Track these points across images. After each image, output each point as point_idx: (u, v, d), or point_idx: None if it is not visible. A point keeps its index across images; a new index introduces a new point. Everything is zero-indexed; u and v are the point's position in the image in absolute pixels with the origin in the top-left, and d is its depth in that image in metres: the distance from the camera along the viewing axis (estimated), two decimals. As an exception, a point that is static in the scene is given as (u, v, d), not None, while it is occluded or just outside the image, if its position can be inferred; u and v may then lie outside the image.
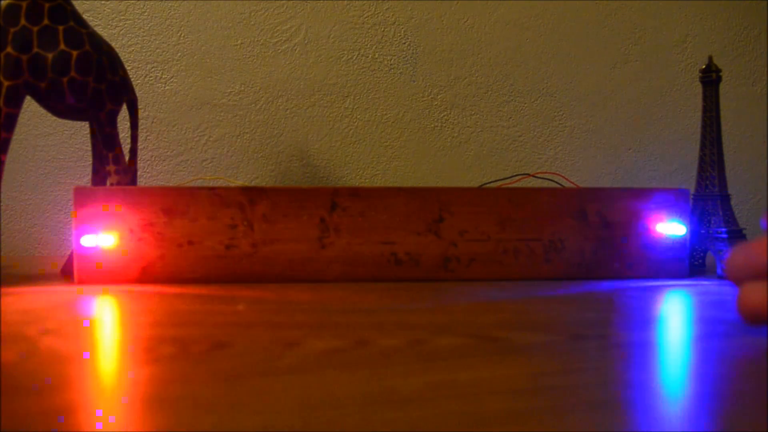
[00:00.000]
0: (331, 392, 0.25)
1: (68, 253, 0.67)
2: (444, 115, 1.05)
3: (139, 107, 0.94)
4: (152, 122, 0.98)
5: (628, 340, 0.36)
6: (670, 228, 0.64)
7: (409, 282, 0.62)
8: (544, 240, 0.63)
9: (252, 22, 1.00)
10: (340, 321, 0.41)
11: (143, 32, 0.98)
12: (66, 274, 0.64)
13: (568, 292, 0.55)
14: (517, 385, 0.26)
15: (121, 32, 0.97)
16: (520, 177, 0.78)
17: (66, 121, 0.94)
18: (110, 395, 0.25)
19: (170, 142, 0.98)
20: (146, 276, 0.59)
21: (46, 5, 0.59)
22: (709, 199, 0.69)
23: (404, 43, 1.04)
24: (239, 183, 0.96)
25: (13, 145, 0.92)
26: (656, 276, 0.64)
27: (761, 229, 0.34)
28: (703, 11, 1.10)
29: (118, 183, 0.64)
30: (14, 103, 0.58)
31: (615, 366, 0.30)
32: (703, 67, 0.71)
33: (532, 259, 0.63)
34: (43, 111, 0.90)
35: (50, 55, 0.59)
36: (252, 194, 0.61)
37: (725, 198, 0.68)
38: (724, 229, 0.67)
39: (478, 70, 1.05)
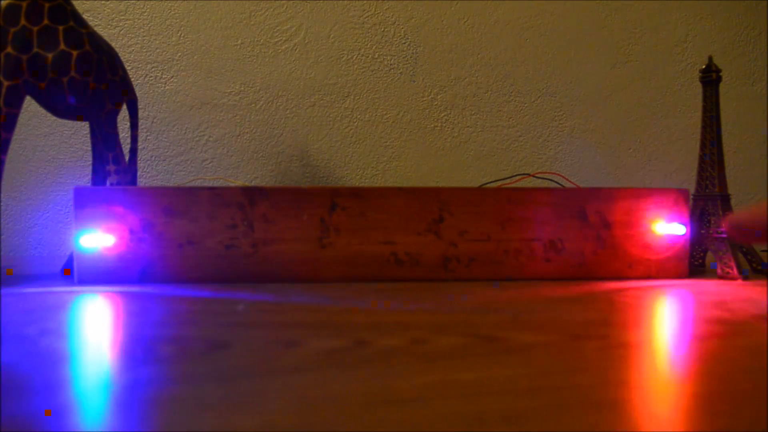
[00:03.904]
0: (331, 392, 0.25)
1: (68, 253, 0.67)
2: (444, 115, 1.05)
3: (139, 107, 0.94)
4: (152, 122, 0.98)
5: (628, 340, 0.36)
6: (670, 228, 0.64)
7: (409, 282, 0.62)
8: (544, 240, 0.63)
9: (252, 22, 1.00)
10: (340, 321, 0.41)
11: (143, 32, 0.98)
12: (66, 274, 0.64)
13: (568, 292, 0.55)
14: (517, 385, 0.26)
15: (121, 32, 0.97)
16: (520, 177, 0.78)
17: (66, 121, 0.94)
18: (110, 395, 0.25)
19: (170, 142, 0.98)
20: (146, 276, 0.59)
21: (46, 5, 0.59)
22: (709, 199, 0.69)
23: (404, 43, 1.04)
24: (239, 183, 0.96)
25: (13, 145, 0.92)
26: (656, 276, 0.64)
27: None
28: (703, 11, 1.10)
29: (118, 183, 0.64)
30: (14, 103, 0.58)
31: (615, 366, 0.30)
32: (703, 67, 0.71)
33: (532, 259, 0.63)
34: (43, 111, 0.90)
35: (50, 55, 0.59)
36: (252, 194, 0.61)
37: (725, 198, 0.68)
38: (724, 229, 0.67)
39: (478, 70, 1.05)
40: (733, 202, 0.70)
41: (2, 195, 0.93)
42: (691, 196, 0.69)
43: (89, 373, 0.28)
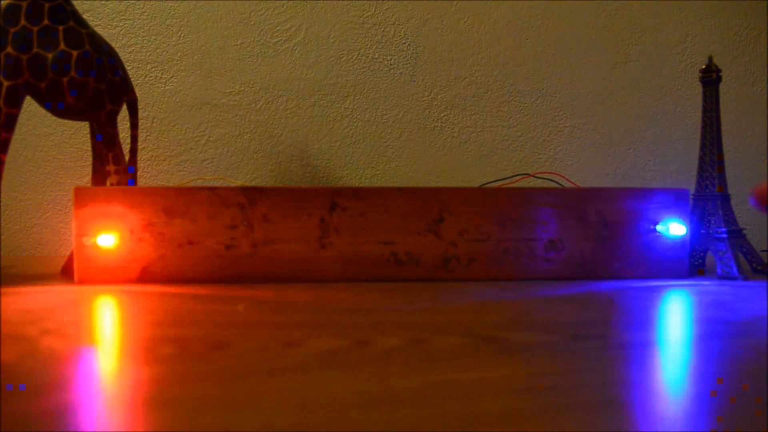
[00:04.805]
0: (331, 392, 0.25)
1: (68, 253, 0.67)
2: (444, 115, 1.05)
3: (139, 107, 0.94)
4: (152, 122, 0.98)
5: (628, 340, 0.36)
6: (670, 228, 0.64)
7: (409, 282, 0.62)
8: (544, 240, 0.63)
9: (252, 22, 1.00)
10: (340, 321, 0.41)
11: (143, 32, 0.98)
12: (66, 274, 0.64)
13: (568, 292, 0.55)
14: (517, 385, 0.26)
15: (121, 32, 0.97)
16: (520, 177, 0.78)
17: (66, 121, 0.94)
18: (110, 395, 0.25)
19: (170, 142, 0.98)
20: (146, 276, 0.59)
21: (46, 5, 0.59)
22: (709, 199, 0.69)
23: (404, 43, 1.04)
24: (239, 183, 0.96)
25: (13, 145, 0.92)
26: (656, 276, 0.64)
27: (758, 214, 0.35)
28: (703, 11, 1.10)
29: (118, 183, 0.64)
30: (14, 103, 0.58)
31: (615, 366, 0.30)
32: (703, 67, 0.71)
33: (532, 259, 0.63)
34: (43, 111, 0.90)
35: (50, 55, 0.59)
36: (252, 194, 0.61)
37: (725, 198, 0.68)
38: (724, 229, 0.67)
39: (478, 70, 1.05)
40: (733, 202, 0.70)
41: (2, 195, 0.93)
42: (691, 196, 0.69)
43: (89, 373, 0.28)
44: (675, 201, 0.64)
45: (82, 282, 0.58)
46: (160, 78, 0.98)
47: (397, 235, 0.62)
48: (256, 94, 1.00)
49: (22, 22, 0.58)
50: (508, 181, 0.75)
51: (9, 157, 0.90)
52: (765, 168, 1.11)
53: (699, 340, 0.36)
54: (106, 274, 0.59)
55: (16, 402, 0.23)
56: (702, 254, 0.72)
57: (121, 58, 0.70)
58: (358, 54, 1.02)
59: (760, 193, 0.35)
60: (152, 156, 0.98)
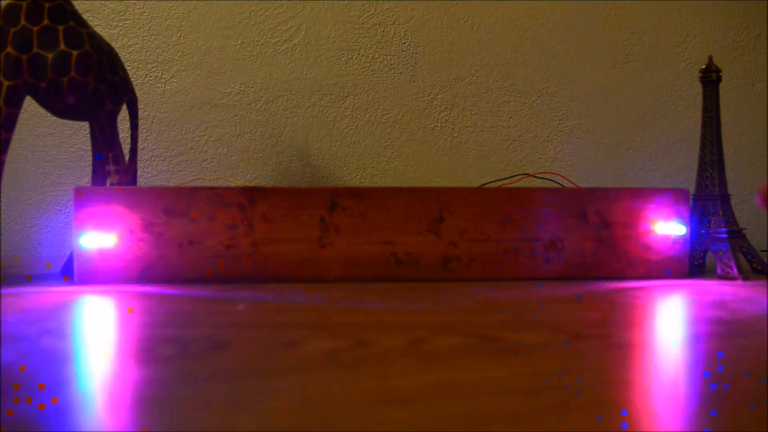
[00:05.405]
0: (331, 392, 0.25)
1: (68, 253, 0.67)
2: (444, 115, 1.05)
3: (139, 107, 0.94)
4: (152, 122, 0.98)
5: (628, 340, 0.36)
6: (670, 228, 0.64)
7: (409, 282, 0.61)
8: (544, 240, 0.63)
9: (252, 22, 1.00)
10: (340, 321, 0.41)
11: (143, 32, 0.98)
12: (66, 274, 0.64)
13: (568, 292, 0.55)
14: (517, 385, 0.26)
15: (121, 32, 0.97)
16: (520, 177, 0.78)
17: (66, 121, 0.94)
18: (110, 395, 0.25)
19: (170, 142, 0.98)
20: (146, 276, 0.59)
21: (46, 5, 0.59)
22: (709, 199, 0.69)
23: (404, 43, 1.04)
24: (239, 183, 0.96)
25: (13, 145, 0.92)
26: (656, 276, 0.64)
27: (760, 210, 0.35)
28: (703, 11, 1.10)
29: (118, 183, 0.64)
30: (14, 103, 0.58)
31: (615, 366, 0.30)
32: (703, 67, 0.71)
33: (532, 259, 0.63)
34: (43, 111, 0.90)
35: (50, 55, 0.59)
36: (252, 194, 0.61)
37: (725, 198, 0.68)
38: (724, 229, 0.67)
39: (478, 70, 1.05)
40: (733, 202, 0.70)
41: (2, 195, 0.93)
42: (691, 196, 0.69)
43: (89, 373, 0.28)
44: (675, 201, 0.64)
45: (82, 282, 0.58)
46: (160, 78, 0.98)
47: (397, 235, 0.62)
48: (256, 94, 1.00)
49: (22, 22, 0.58)
50: (508, 181, 0.75)
51: (9, 157, 0.90)
52: (765, 168, 1.11)
53: (698, 340, 0.36)
54: (106, 274, 0.59)
55: (17, 402, 0.23)
56: (702, 254, 0.72)
57: (121, 58, 0.70)
58: (358, 54, 1.02)
59: (765, 192, 0.35)
60: (152, 156, 0.98)
